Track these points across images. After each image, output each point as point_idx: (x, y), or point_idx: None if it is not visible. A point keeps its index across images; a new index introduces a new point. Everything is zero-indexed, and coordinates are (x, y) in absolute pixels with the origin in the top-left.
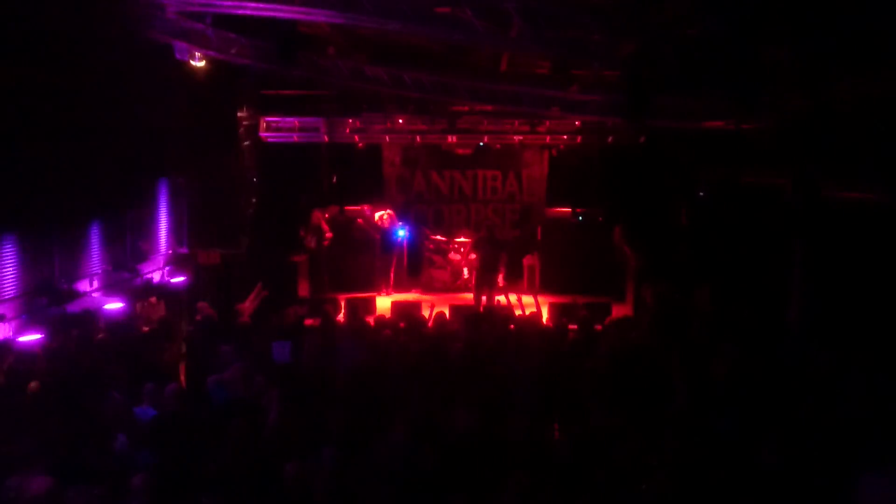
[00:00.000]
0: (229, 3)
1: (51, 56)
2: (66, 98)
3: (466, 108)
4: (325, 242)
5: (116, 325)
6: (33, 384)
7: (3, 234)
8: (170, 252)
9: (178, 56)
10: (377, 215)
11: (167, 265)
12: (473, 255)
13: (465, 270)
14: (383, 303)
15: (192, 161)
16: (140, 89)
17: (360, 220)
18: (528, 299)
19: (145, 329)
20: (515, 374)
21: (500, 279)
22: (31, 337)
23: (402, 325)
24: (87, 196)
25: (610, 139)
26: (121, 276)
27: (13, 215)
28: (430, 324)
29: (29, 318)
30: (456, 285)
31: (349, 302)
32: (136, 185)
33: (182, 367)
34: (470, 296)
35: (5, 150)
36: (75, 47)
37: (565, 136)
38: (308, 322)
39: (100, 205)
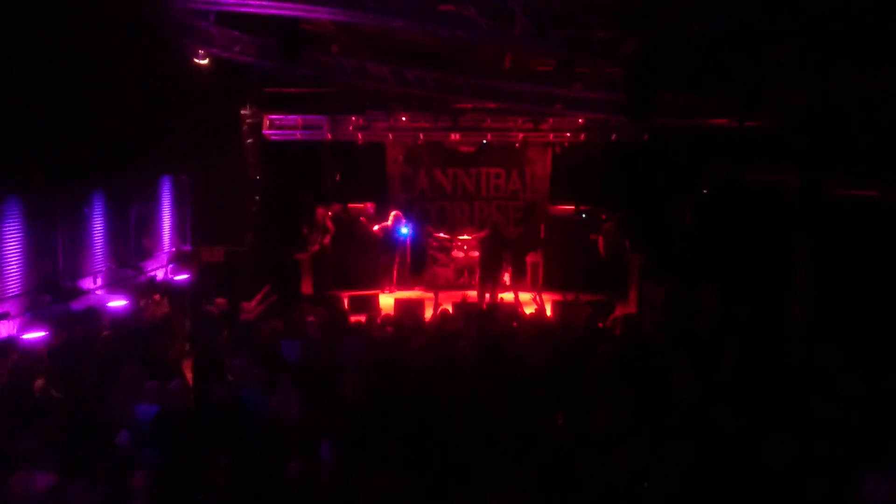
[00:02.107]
0: (233, 1)
1: (55, 56)
2: (71, 93)
3: (470, 106)
4: (327, 240)
5: (120, 322)
6: (39, 382)
7: (6, 231)
8: (173, 249)
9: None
10: (392, 215)
11: (171, 262)
12: (476, 253)
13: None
14: (386, 300)
15: (196, 158)
16: (144, 87)
17: (363, 219)
18: (531, 296)
19: (151, 324)
20: (520, 371)
21: (505, 276)
22: (34, 334)
23: (406, 322)
24: (90, 192)
25: (613, 137)
26: (124, 274)
27: (17, 214)
28: (433, 320)
29: (33, 316)
30: (459, 283)
31: (352, 300)
32: (140, 181)
33: (186, 364)
34: (473, 293)
35: (7, 148)
36: (82, 46)
37: (569, 134)
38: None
39: (104, 201)
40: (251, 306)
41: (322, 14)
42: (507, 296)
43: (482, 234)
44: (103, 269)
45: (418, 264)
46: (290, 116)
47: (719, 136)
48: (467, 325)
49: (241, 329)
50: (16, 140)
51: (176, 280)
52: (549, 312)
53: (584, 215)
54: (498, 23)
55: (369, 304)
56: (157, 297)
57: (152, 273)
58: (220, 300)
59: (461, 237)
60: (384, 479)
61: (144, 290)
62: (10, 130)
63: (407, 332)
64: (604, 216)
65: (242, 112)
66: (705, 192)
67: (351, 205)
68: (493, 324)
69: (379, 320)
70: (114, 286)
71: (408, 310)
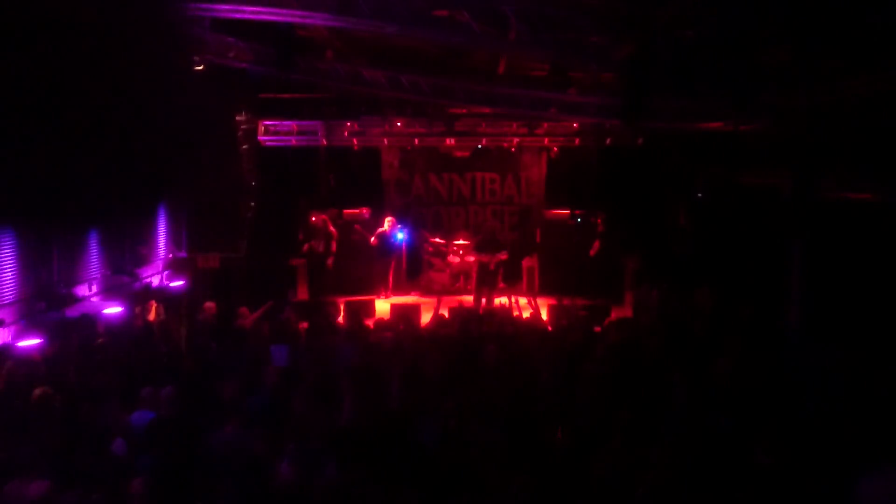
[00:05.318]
0: (227, 7)
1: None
2: (68, 104)
3: (464, 111)
4: (333, 246)
5: (116, 329)
6: (38, 391)
7: (2, 237)
8: (169, 256)
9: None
10: (387, 220)
11: (166, 269)
12: (472, 258)
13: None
14: (382, 306)
15: (192, 169)
16: (141, 96)
17: (357, 226)
18: (526, 301)
19: (144, 332)
20: (518, 375)
21: (500, 281)
22: (29, 342)
23: (401, 327)
24: (87, 201)
25: (608, 141)
26: (120, 281)
27: (13, 219)
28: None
29: (28, 323)
30: (455, 288)
31: (348, 305)
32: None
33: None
34: (469, 298)
35: (7, 152)
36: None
37: (563, 139)
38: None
39: (99, 212)
40: (250, 314)
41: (317, 20)
42: (503, 300)
43: (476, 240)
44: (98, 275)
45: (414, 270)
46: (285, 122)
47: (713, 140)
48: (464, 329)
49: (234, 334)
50: (17, 150)
51: (171, 286)
52: (544, 317)
53: (579, 220)
54: (492, 28)
55: (366, 310)
56: (152, 303)
57: (148, 280)
58: (208, 305)
59: (457, 242)
60: (380, 488)
61: (140, 296)
62: (11, 138)
63: (405, 338)
64: (593, 219)
65: (237, 118)
66: (700, 195)
67: (346, 210)
68: (490, 329)
69: (373, 325)
70: (109, 293)
71: (404, 315)
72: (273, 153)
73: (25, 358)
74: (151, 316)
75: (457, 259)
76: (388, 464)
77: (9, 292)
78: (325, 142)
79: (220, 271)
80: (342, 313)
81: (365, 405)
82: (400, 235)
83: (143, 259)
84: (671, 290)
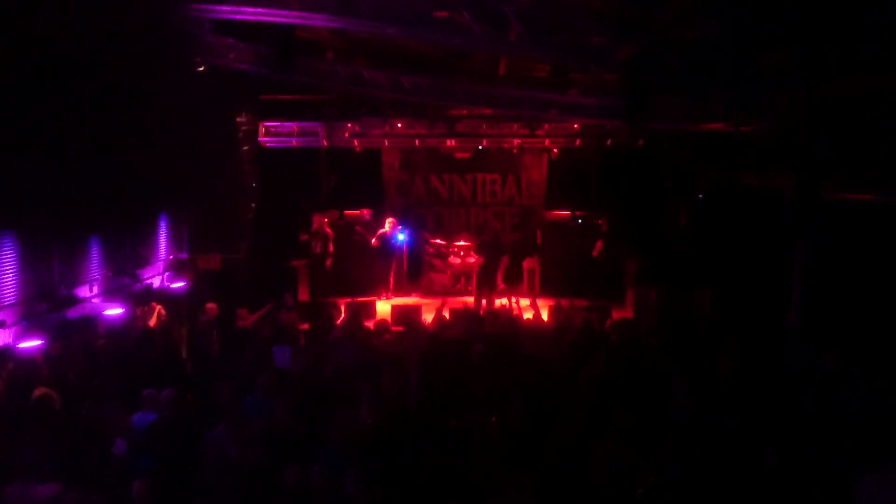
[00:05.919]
0: (227, 9)
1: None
2: (69, 107)
3: (465, 112)
4: (331, 247)
5: (116, 330)
6: (38, 392)
7: (3, 239)
8: (170, 257)
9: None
10: (388, 222)
11: (167, 270)
12: (473, 259)
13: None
14: (383, 307)
15: (193, 172)
16: (142, 98)
17: (358, 227)
18: (527, 302)
19: (145, 334)
20: (517, 375)
21: (501, 282)
22: (30, 343)
23: (399, 328)
24: (88, 207)
25: (609, 142)
26: (121, 282)
27: (14, 220)
28: (432, 325)
29: (29, 324)
30: (456, 289)
31: (349, 306)
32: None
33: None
34: (470, 299)
35: (11, 154)
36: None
37: (564, 140)
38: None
39: (101, 218)
40: (249, 316)
41: (317, 21)
42: (503, 301)
43: (477, 241)
44: (99, 277)
45: (415, 271)
46: (286, 123)
47: (714, 141)
48: (468, 331)
49: (235, 335)
50: (20, 152)
51: (173, 288)
52: (545, 318)
53: (579, 220)
54: (492, 29)
55: (366, 311)
56: (153, 304)
57: (148, 281)
58: (210, 305)
59: (457, 243)
60: (379, 489)
61: (141, 297)
62: (14, 142)
63: (410, 340)
64: (596, 220)
65: (238, 119)
66: (700, 196)
67: (347, 211)
68: (494, 329)
69: (374, 326)
70: (110, 294)
71: (406, 317)
72: (274, 154)
73: (26, 359)
74: (153, 320)
75: (457, 260)
76: (395, 465)
77: (10, 293)
78: (325, 143)
79: (220, 272)
80: (343, 314)
81: (382, 407)
82: (401, 236)
83: (144, 260)
84: (672, 290)
